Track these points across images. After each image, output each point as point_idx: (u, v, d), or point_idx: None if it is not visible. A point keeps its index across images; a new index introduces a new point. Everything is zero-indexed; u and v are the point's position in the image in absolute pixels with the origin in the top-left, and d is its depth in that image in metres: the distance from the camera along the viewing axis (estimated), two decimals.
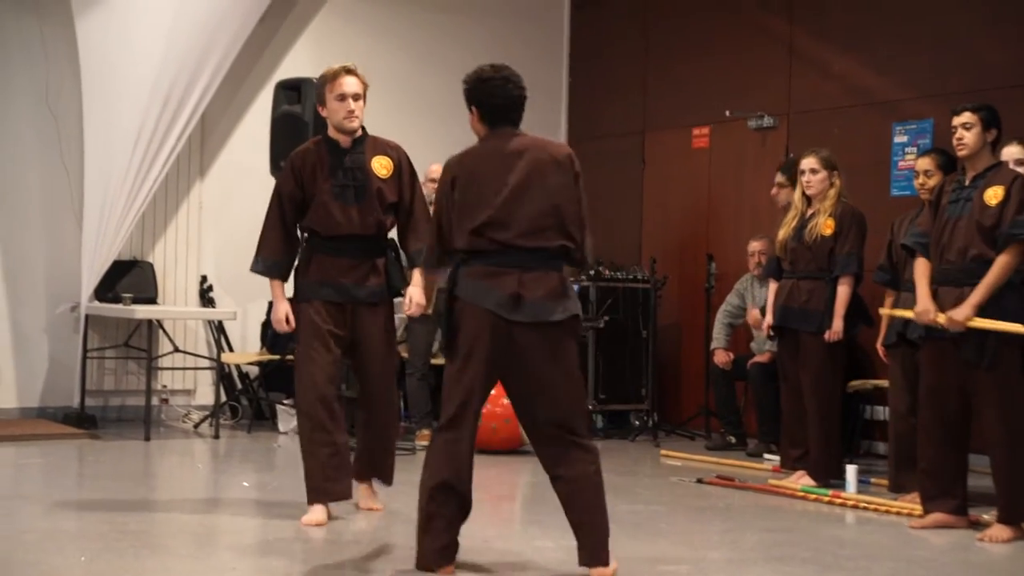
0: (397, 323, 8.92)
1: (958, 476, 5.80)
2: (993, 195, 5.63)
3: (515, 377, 4.35)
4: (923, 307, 5.70)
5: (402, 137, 9.83)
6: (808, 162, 6.97)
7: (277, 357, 8.55)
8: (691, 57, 9.75)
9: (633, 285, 9.21)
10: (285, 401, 8.49)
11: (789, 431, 7.10)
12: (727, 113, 9.32)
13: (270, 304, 8.94)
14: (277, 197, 5.49)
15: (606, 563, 4.36)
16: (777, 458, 7.51)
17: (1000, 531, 5.55)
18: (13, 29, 8.66)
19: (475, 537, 5.07)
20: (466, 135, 10.48)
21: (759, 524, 5.83)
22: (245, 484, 6.60)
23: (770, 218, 8.38)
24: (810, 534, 5.63)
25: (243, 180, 9.17)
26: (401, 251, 5.68)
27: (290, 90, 8.34)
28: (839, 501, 6.43)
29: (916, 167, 6.66)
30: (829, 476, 6.79)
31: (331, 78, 5.46)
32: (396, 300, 5.63)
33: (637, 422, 9.12)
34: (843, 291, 6.86)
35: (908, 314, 5.86)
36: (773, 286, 7.19)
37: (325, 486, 5.35)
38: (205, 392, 9.15)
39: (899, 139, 8.31)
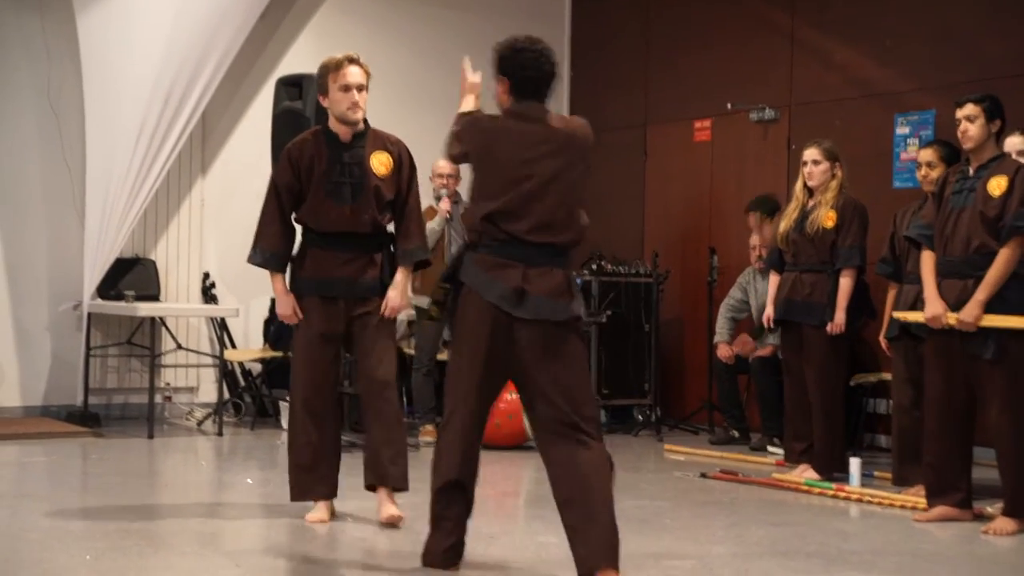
0: (405, 318, 8.97)
1: (963, 469, 5.80)
2: (996, 186, 5.62)
3: (519, 374, 4.27)
4: (934, 312, 5.67)
5: (403, 132, 9.82)
6: (810, 153, 6.96)
7: (280, 354, 8.56)
8: (692, 50, 9.74)
9: (635, 279, 9.20)
10: (288, 398, 8.48)
11: (793, 425, 7.10)
12: (729, 106, 9.31)
13: (273, 301, 8.98)
14: (274, 188, 5.38)
15: (614, 564, 4.09)
16: (781, 452, 7.51)
17: (1005, 523, 5.55)
18: (15, 26, 8.66)
19: (479, 533, 5.07)
20: None
21: (763, 518, 5.82)
22: (249, 481, 6.60)
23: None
24: (814, 528, 5.63)
25: (245, 177, 9.17)
26: None
27: (291, 86, 8.33)
28: (843, 495, 6.43)
29: (918, 158, 6.65)
30: (833, 470, 6.78)
31: (334, 67, 5.34)
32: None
33: (640, 417, 9.12)
34: (845, 284, 6.85)
35: (920, 317, 5.84)
36: (775, 278, 7.18)
37: (302, 485, 5.36)
38: (208, 389, 9.16)
39: (901, 130, 8.29)
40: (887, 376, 7.29)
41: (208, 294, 9.23)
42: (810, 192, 7.02)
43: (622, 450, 7.94)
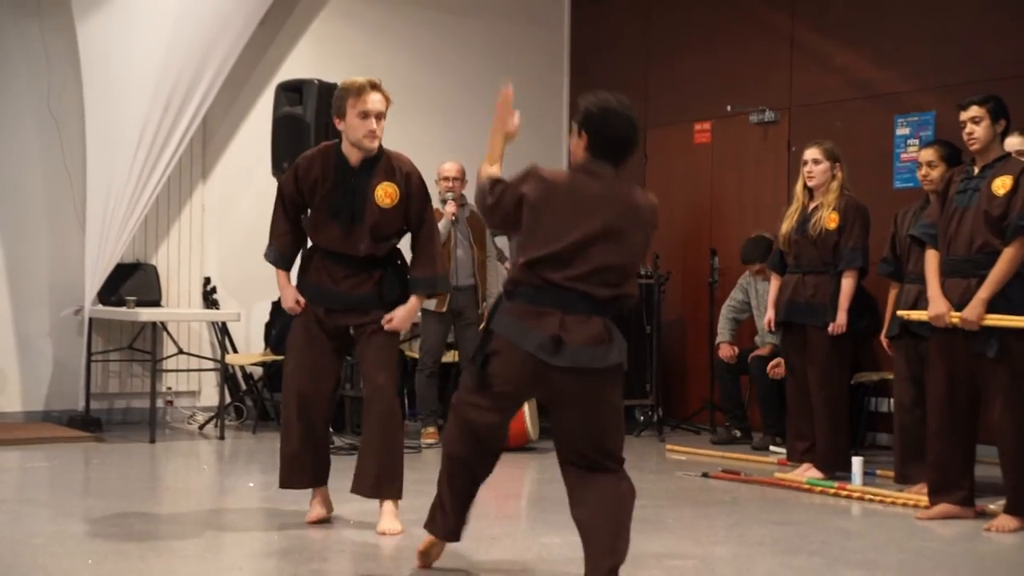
0: (415, 320, 8.97)
1: (966, 468, 5.80)
2: (1001, 185, 5.62)
3: (553, 412, 4.19)
4: (937, 311, 5.68)
5: (404, 137, 9.88)
6: (811, 152, 6.96)
7: (281, 357, 8.53)
8: (692, 52, 9.75)
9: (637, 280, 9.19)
10: None
11: (795, 424, 7.10)
12: (729, 108, 9.32)
13: (273, 304, 9.00)
14: (280, 195, 5.41)
15: None
16: (783, 451, 7.51)
17: (1007, 521, 5.55)
18: (14, 33, 8.67)
19: (481, 534, 5.09)
20: (466, 134, 10.54)
21: (766, 517, 5.82)
22: (251, 485, 6.60)
23: (772, 212, 8.37)
24: (817, 527, 5.63)
25: (245, 182, 9.19)
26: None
27: (291, 91, 8.34)
28: (845, 493, 6.43)
29: (919, 158, 6.65)
30: (836, 469, 6.79)
31: (356, 92, 5.18)
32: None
33: (642, 417, 9.12)
34: (847, 284, 6.85)
35: (923, 316, 5.84)
36: (776, 281, 7.18)
37: (286, 473, 5.42)
38: (210, 393, 9.16)
39: (901, 131, 8.30)
40: (889, 375, 7.28)
41: (209, 299, 9.23)
42: (810, 193, 7.02)
43: (624, 450, 7.92)
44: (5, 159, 8.66)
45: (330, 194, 5.24)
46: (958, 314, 5.60)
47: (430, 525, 4.46)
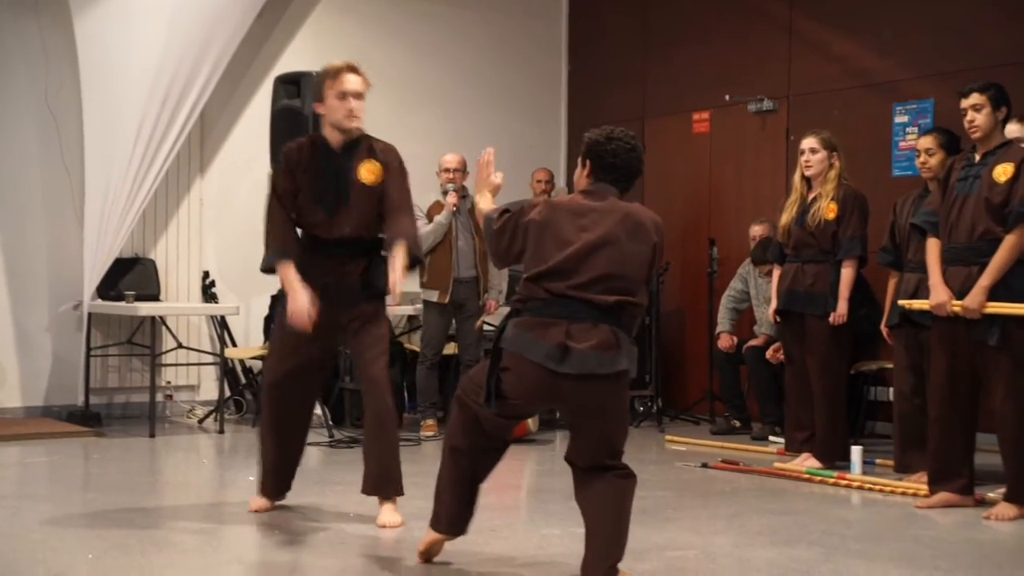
0: (413, 312, 8.98)
1: (966, 456, 5.80)
2: (1002, 172, 5.61)
3: (564, 415, 4.27)
4: (938, 300, 5.68)
5: (401, 130, 9.86)
6: (808, 142, 6.95)
7: None
8: (690, 42, 9.74)
9: None
10: None
11: (794, 414, 7.10)
12: (727, 97, 9.31)
13: (272, 298, 8.98)
14: (274, 193, 5.35)
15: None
16: (782, 441, 7.51)
17: (1006, 509, 5.55)
18: (12, 30, 8.66)
19: (482, 526, 5.08)
20: (465, 127, 10.55)
21: (765, 507, 5.83)
22: (251, 479, 6.58)
23: (771, 202, 8.38)
24: (816, 516, 5.63)
25: (243, 175, 9.18)
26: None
27: (289, 84, 8.32)
28: (844, 483, 6.43)
29: (917, 146, 6.64)
30: (835, 458, 6.79)
31: (333, 74, 5.25)
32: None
33: (641, 408, 9.12)
34: (847, 274, 6.85)
35: (925, 305, 5.84)
36: (776, 271, 7.18)
37: (260, 485, 5.55)
38: (209, 387, 9.17)
39: (900, 119, 8.29)
40: (888, 364, 7.28)
41: (208, 293, 9.23)
42: (808, 183, 7.01)
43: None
44: (3, 155, 8.65)
45: (315, 179, 5.26)
46: (959, 302, 5.59)
47: (432, 521, 4.48)
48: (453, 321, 8.42)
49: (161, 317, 8.60)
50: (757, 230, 8.40)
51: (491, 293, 8.39)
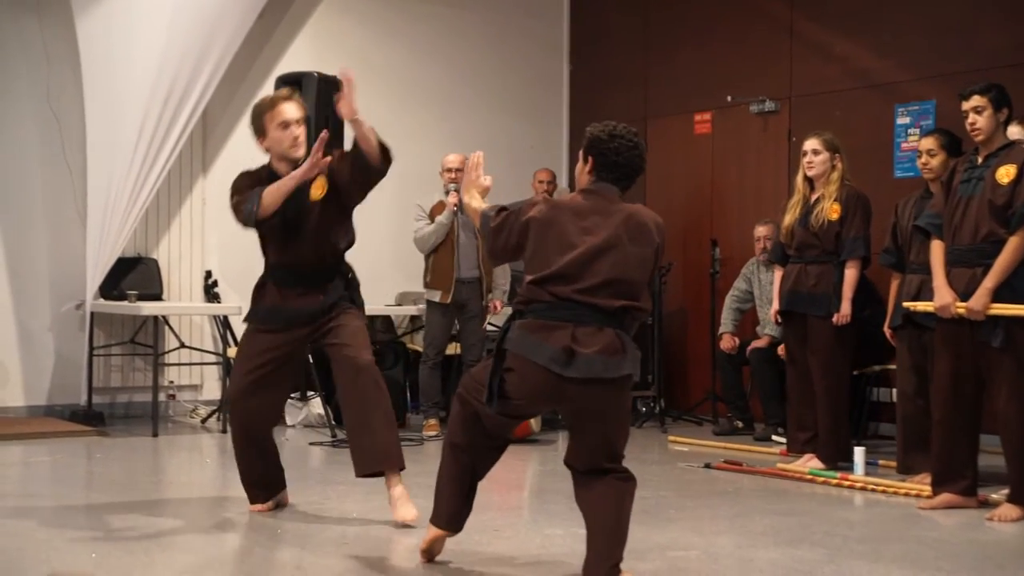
0: (416, 312, 8.97)
1: (969, 457, 5.80)
2: (1005, 174, 5.61)
3: (570, 425, 4.26)
4: (943, 302, 5.68)
5: (400, 130, 9.87)
6: (810, 143, 6.95)
7: None
8: (692, 43, 9.74)
9: None
10: (292, 395, 8.50)
11: (797, 415, 7.10)
12: (728, 98, 9.32)
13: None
14: (238, 191, 5.32)
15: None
16: (784, 441, 7.51)
17: (1009, 510, 5.55)
18: (14, 30, 8.67)
19: (484, 526, 5.09)
20: (465, 128, 10.54)
21: (768, 508, 5.83)
22: None
23: (774, 202, 8.38)
24: (819, 517, 5.63)
25: None
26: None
27: (290, 84, 8.32)
28: (847, 483, 6.43)
29: (919, 147, 6.65)
30: (838, 459, 6.79)
31: (269, 107, 5.26)
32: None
33: (644, 408, 9.12)
34: (850, 274, 6.85)
35: (929, 307, 5.84)
36: (779, 272, 7.18)
37: (249, 495, 5.55)
38: (212, 387, 9.17)
39: (902, 120, 8.30)
40: (890, 366, 7.28)
41: (210, 292, 9.24)
42: (811, 183, 7.01)
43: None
44: (6, 155, 8.66)
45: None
46: (963, 304, 5.59)
47: (432, 517, 4.49)
48: (456, 321, 8.43)
49: (164, 317, 8.60)
50: (761, 231, 8.40)
51: (495, 293, 8.40)
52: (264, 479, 5.52)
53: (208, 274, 9.28)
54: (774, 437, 7.97)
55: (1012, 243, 5.53)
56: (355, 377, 5.20)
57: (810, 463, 6.85)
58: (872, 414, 8.23)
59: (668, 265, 9.24)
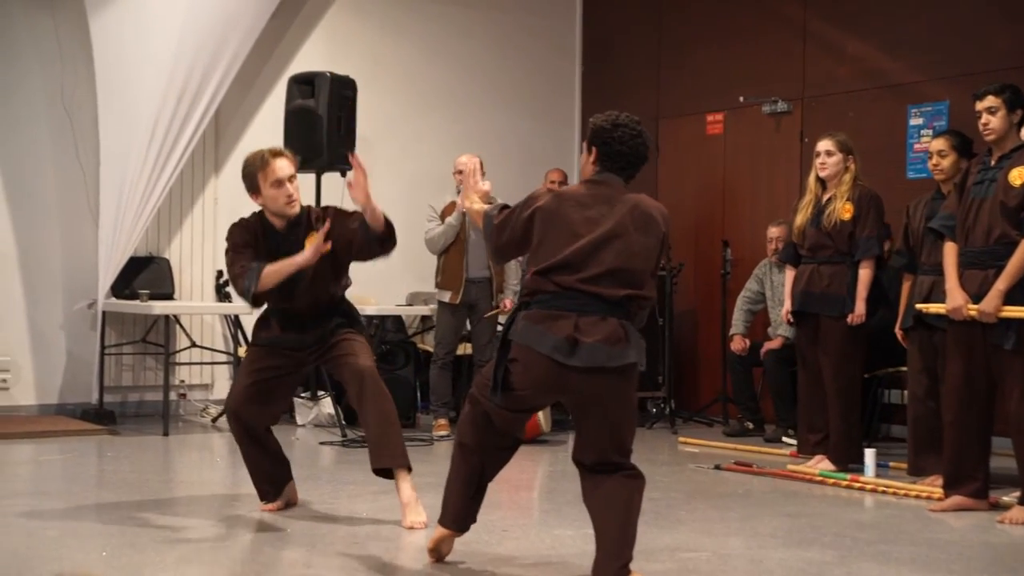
0: (427, 312, 8.98)
1: (981, 459, 5.78)
2: (1018, 175, 5.59)
3: (575, 416, 4.25)
4: (955, 304, 5.66)
5: (412, 130, 9.91)
6: (824, 144, 6.93)
7: None
8: (704, 43, 9.73)
9: None
10: (303, 394, 8.51)
11: (807, 416, 7.08)
12: (741, 99, 9.31)
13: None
14: (233, 248, 5.36)
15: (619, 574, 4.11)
16: (795, 442, 7.49)
17: (1021, 513, 5.53)
18: (27, 28, 8.69)
19: (493, 526, 5.09)
20: (477, 128, 10.53)
21: (778, 509, 5.82)
22: None
23: (786, 203, 8.37)
24: (830, 519, 5.62)
25: None
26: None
27: (303, 84, 8.36)
28: (858, 485, 6.42)
29: (930, 148, 6.62)
30: (849, 460, 6.77)
31: (261, 165, 5.27)
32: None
33: (654, 409, 9.11)
34: (864, 274, 6.82)
35: (941, 309, 5.82)
36: (791, 273, 7.16)
37: (259, 493, 5.58)
38: (223, 386, 9.18)
39: (915, 121, 8.28)
40: (902, 368, 7.26)
41: (222, 292, 9.25)
42: (823, 184, 6.99)
43: (636, 443, 7.88)
44: (19, 154, 8.68)
45: (266, 260, 5.27)
46: (975, 306, 5.57)
47: (440, 516, 4.49)
48: (467, 321, 8.43)
49: (175, 316, 8.62)
50: (774, 232, 8.38)
51: (506, 293, 8.40)
52: (272, 475, 5.56)
53: (219, 274, 9.28)
54: (785, 439, 7.95)
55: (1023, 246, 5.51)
56: (361, 382, 5.26)
57: (821, 464, 6.83)
58: (883, 416, 8.21)
59: (679, 265, 9.23)
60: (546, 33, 10.67)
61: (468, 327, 8.48)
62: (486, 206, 4.48)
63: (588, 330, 4.05)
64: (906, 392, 6.93)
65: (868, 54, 8.61)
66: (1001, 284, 5.52)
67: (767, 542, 5.10)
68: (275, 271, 5.20)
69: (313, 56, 9.35)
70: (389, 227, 5.22)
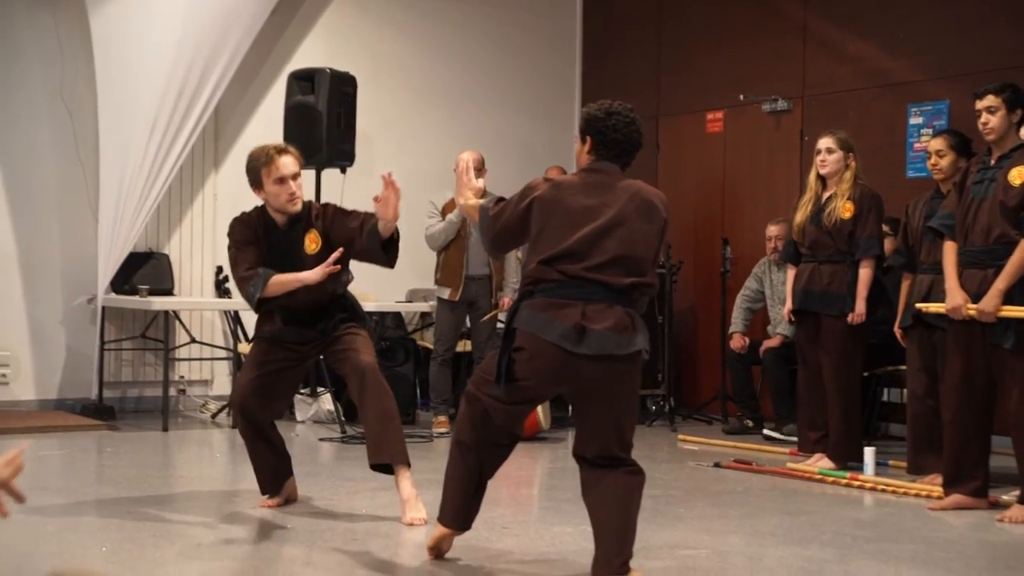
0: (427, 309, 8.98)
1: (980, 458, 5.79)
2: (1018, 175, 5.59)
3: (577, 407, 4.26)
4: (954, 303, 5.66)
5: (412, 127, 9.89)
6: (824, 142, 6.93)
7: None
8: (705, 41, 9.73)
9: None
10: (303, 390, 8.51)
11: (807, 414, 7.08)
12: (741, 97, 9.30)
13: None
14: (236, 246, 5.38)
15: (620, 573, 4.11)
16: (795, 439, 7.49)
17: (1020, 512, 5.53)
18: (28, 24, 8.69)
19: (493, 523, 5.09)
20: (477, 126, 10.53)
21: (778, 508, 5.82)
22: None
23: (786, 202, 8.36)
24: (829, 517, 5.62)
25: None
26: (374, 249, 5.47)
27: (303, 80, 8.35)
28: (857, 484, 6.42)
29: (928, 147, 6.63)
30: (849, 459, 6.78)
31: (266, 161, 5.30)
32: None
33: (654, 407, 9.11)
34: (865, 273, 6.82)
35: (941, 308, 5.83)
36: (792, 271, 7.16)
37: (261, 486, 5.60)
38: (222, 382, 9.19)
39: (915, 120, 8.28)
40: (902, 367, 7.26)
41: (221, 288, 9.25)
42: (823, 182, 6.99)
43: (636, 440, 7.89)
44: (19, 150, 8.68)
45: (267, 254, 5.32)
46: (975, 306, 5.57)
47: (439, 515, 4.49)
48: (467, 318, 8.43)
49: (175, 311, 8.62)
50: (773, 230, 8.38)
51: (506, 291, 8.39)
52: (275, 469, 5.57)
53: (219, 269, 9.28)
54: (784, 437, 7.93)
55: (1023, 245, 5.51)
56: (362, 378, 5.26)
57: (820, 463, 6.84)
58: (883, 414, 8.22)
59: (679, 263, 9.24)
60: (546, 31, 10.67)
61: (468, 324, 8.48)
62: (481, 201, 4.47)
63: (595, 318, 4.03)
64: (905, 391, 6.93)
65: (868, 53, 8.61)
66: (1000, 283, 5.52)
67: (766, 540, 5.10)
68: (281, 283, 5.23)
69: (313, 52, 9.35)
70: (395, 240, 5.24)
